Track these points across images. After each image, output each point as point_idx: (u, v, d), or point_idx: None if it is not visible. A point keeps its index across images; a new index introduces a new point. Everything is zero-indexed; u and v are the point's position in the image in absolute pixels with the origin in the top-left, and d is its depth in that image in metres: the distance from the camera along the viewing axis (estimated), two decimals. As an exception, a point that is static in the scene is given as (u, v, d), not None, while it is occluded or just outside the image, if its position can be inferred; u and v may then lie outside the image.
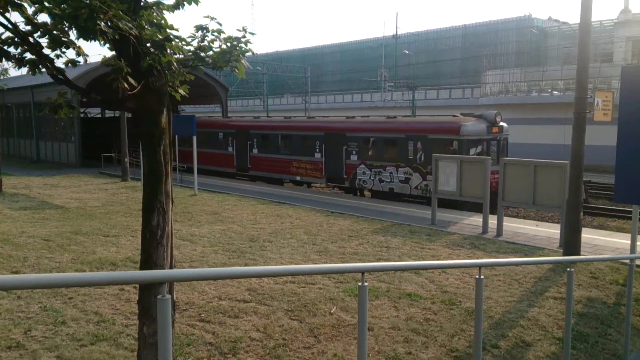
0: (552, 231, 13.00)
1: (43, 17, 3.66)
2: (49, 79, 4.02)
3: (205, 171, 27.44)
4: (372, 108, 53.56)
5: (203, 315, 6.83)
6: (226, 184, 23.19)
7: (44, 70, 3.84)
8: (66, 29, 3.60)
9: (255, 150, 25.55)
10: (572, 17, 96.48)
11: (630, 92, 7.91)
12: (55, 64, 3.86)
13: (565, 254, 10.05)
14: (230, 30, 4.57)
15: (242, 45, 4.59)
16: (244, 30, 4.64)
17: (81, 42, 3.71)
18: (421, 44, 61.62)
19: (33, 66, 3.75)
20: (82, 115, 40.64)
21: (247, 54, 4.71)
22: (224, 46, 4.56)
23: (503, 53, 54.02)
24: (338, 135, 21.50)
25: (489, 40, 55.13)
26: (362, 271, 3.69)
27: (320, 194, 21.08)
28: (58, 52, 3.74)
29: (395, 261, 9.71)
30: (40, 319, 6.59)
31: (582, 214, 10.20)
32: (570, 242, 10.09)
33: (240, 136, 26.45)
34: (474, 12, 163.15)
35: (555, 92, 37.99)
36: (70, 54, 3.83)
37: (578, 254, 9.96)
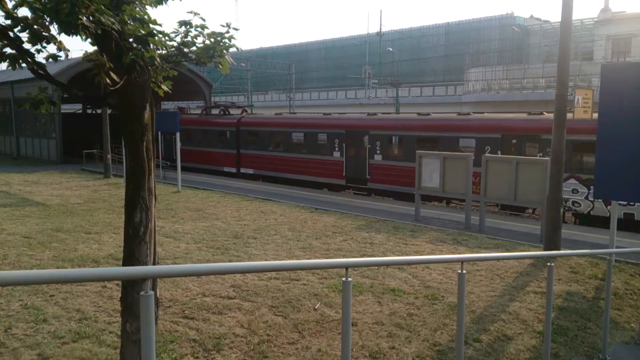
0: (533, 227, 13.17)
1: (23, 11, 3.62)
2: (29, 74, 3.97)
3: (293, 182, 22.93)
4: (357, 105, 53.63)
5: (187, 311, 6.81)
6: (210, 181, 23.05)
7: (24, 65, 3.80)
8: (47, 23, 3.56)
9: (377, 157, 20.09)
10: (554, 15, 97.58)
11: (610, 89, 8.05)
12: (36, 59, 3.82)
13: (545, 249, 10.20)
14: (214, 26, 4.55)
15: (226, 40, 4.58)
16: (228, 26, 4.62)
17: (62, 37, 3.68)
18: (405, 42, 61.84)
19: (13, 61, 3.70)
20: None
21: (231, 49, 4.70)
22: (207, 42, 4.54)
23: (485, 51, 54.44)
24: (526, 137, 16.19)
25: (472, 38, 55.52)
26: (346, 266, 3.71)
27: (307, 190, 21.04)
28: (39, 46, 3.70)
29: (379, 257, 9.77)
30: (21, 316, 6.51)
31: (562, 210, 10.34)
32: (551, 238, 10.23)
33: (353, 138, 20.99)
34: (457, 10, 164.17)
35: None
36: (52, 48, 3.79)
37: (558, 249, 10.11)
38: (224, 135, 26.99)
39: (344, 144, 21.17)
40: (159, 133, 22.99)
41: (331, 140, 21.62)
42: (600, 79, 8.48)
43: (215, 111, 30.19)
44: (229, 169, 26.36)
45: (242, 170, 25.86)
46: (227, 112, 29.35)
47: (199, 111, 31.36)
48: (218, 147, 26.83)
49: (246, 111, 30.19)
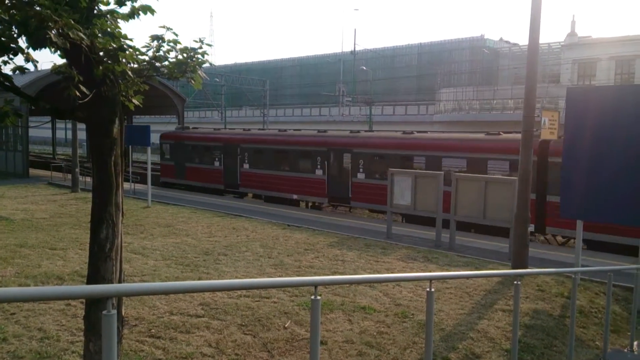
0: (502, 245, 13.37)
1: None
2: (-6, 86, 3.89)
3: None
4: (331, 122, 53.94)
5: (153, 330, 6.67)
6: (181, 196, 22.78)
7: (-11, 76, 3.72)
8: (15, 35, 3.50)
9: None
10: (522, 38, 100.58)
11: (576, 111, 8.29)
12: (3, 71, 3.75)
13: (513, 267, 10.35)
14: (188, 41, 4.56)
15: (199, 56, 4.58)
16: (201, 41, 4.64)
17: (31, 49, 3.61)
18: (378, 61, 62.73)
19: (-22, 72, 3.63)
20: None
21: (204, 65, 4.69)
22: (180, 57, 4.54)
23: (457, 71, 55.55)
24: None
25: (444, 59, 56.65)
26: (315, 284, 3.70)
27: (275, 205, 20.96)
28: (5, 58, 3.64)
29: (350, 274, 9.76)
30: (-20, 335, 6.28)
31: (529, 229, 10.53)
32: (518, 256, 10.39)
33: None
34: (429, 31, 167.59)
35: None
36: (19, 60, 3.73)
37: (526, 267, 10.26)
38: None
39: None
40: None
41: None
42: (566, 101, 8.74)
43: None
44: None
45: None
46: None
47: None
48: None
49: None
